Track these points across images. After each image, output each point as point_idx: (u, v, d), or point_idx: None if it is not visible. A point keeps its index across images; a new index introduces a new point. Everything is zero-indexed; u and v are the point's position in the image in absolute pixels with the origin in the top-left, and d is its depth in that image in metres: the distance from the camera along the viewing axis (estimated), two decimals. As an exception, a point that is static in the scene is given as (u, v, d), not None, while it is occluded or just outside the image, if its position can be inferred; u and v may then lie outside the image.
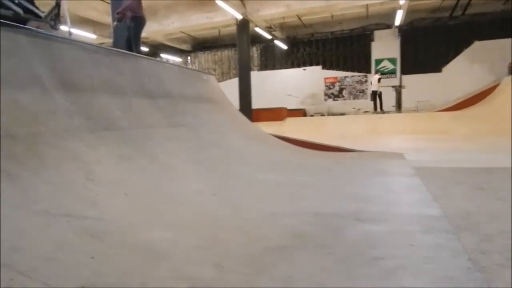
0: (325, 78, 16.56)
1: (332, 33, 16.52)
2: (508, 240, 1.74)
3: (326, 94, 16.62)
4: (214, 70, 18.44)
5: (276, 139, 6.20)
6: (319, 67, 16.71)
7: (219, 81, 15.06)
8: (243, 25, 12.90)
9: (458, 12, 14.18)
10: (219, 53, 18.87)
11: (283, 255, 1.64)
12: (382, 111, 13.46)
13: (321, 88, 16.70)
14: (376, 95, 13.46)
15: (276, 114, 12.51)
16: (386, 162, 4.52)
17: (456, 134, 8.59)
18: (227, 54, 18.53)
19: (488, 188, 2.93)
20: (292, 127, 11.16)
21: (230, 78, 17.96)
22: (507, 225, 1.95)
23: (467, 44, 14.52)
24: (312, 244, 1.79)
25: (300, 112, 14.82)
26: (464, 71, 14.14)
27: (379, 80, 13.40)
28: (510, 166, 3.98)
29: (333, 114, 14.95)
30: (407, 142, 7.69)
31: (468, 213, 2.25)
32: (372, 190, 3.05)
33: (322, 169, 4.25)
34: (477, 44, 14.33)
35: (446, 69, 14.80)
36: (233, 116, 5.71)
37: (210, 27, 15.10)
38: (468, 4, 13.58)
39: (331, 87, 16.58)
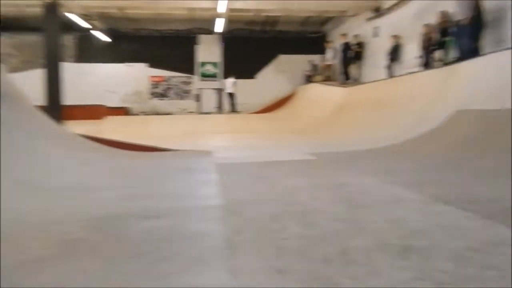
0: (151, 77, 16.24)
1: (158, 31, 16.31)
2: (261, 218, 2.10)
3: (151, 93, 16.32)
4: (13, 56, 15.29)
5: (85, 140, 5.65)
6: (144, 65, 16.23)
7: (20, 70, 12.67)
8: (52, 8, 11.19)
9: (268, 28, 16.43)
10: (21, 37, 15.77)
11: (47, 265, 1.49)
12: (235, 111, 14.65)
13: (146, 86, 16.27)
14: (230, 96, 14.97)
15: (93, 112, 11.43)
16: (194, 160, 4.78)
17: (263, 133, 9.93)
18: (32, 39, 15.67)
19: (266, 178, 3.48)
20: (111, 127, 10.43)
21: (36, 68, 15.33)
22: (266, 208, 2.37)
23: (274, 56, 17.01)
24: (83, 249, 1.71)
25: (123, 111, 14.04)
26: (272, 79, 16.50)
27: (234, 83, 14.71)
28: (291, 158, 4.88)
29: (158, 114, 14.82)
30: (221, 141, 8.38)
31: (244, 201, 2.61)
32: (171, 187, 3.16)
33: (130, 170, 4.13)
34: (281, 57, 16.96)
35: (259, 76, 16.92)
36: (24, 112, 4.86)
37: (7, 3, 12.44)
38: (275, 22, 15.90)
39: (157, 86, 16.39)
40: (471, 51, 7.00)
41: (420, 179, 3.21)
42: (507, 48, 6.21)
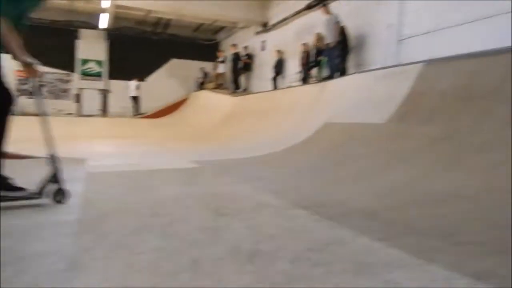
0: (18, 71, 14.02)
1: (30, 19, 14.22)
2: (119, 233, 1.98)
3: (18, 90, 14.09)
4: None
5: None
6: (7, 55, 13.90)
7: None
8: None
9: (161, 30, 15.92)
10: None
11: None
12: (139, 114, 13.68)
13: (12, 81, 13.99)
14: (134, 100, 14.17)
15: None
16: (63, 168, 4.27)
17: (150, 139, 9.52)
18: None
19: (138, 188, 3.33)
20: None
21: None
22: (129, 221, 2.25)
23: (167, 59, 16.58)
24: None
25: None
26: (164, 83, 16.04)
27: (137, 86, 13.66)
28: (172, 167, 4.76)
29: (27, 115, 12.83)
30: (101, 147, 7.73)
31: (106, 214, 2.42)
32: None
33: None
34: (173, 61, 16.62)
35: (150, 79, 16.24)
36: None
37: None
38: (167, 24, 15.51)
39: (26, 82, 14.24)
40: (338, 71, 8.03)
41: (287, 186, 3.49)
42: (364, 71, 7.32)
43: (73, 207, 2.57)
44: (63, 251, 1.74)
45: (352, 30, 8.59)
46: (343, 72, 8.06)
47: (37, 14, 14.08)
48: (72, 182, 3.53)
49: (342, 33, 8.07)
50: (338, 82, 7.19)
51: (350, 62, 8.67)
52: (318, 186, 3.47)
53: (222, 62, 14.30)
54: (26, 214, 2.41)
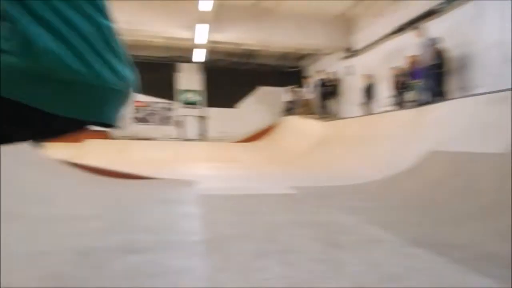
0: (135, 101, 16.20)
1: (137, 57, 16.37)
2: (244, 257, 2.16)
3: (133, 118, 16.24)
4: None
5: (61, 165, 5.57)
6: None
7: None
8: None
9: (249, 60, 16.93)
10: None
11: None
12: None
13: (129, 111, 16.17)
14: None
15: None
16: (174, 190, 4.80)
17: (244, 163, 10.04)
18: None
19: (248, 212, 3.55)
20: (92, 151, 10.28)
21: None
22: (246, 244, 2.43)
23: (254, 87, 17.45)
24: (70, 284, 1.72)
25: (103, 134, 13.78)
26: (253, 109, 16.82)
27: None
28: (272, 192, 4.96)
29: (140, 139, 14.63)
30: (202, 169, 8.40)
31: (226, 236, 2.66)
32: (151, 219, 3.18)
33: (109, 199, 4.10)
34: (261, 89, 17.41)
35: (241, 106, 17.24)
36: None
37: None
38: (254, 55, 16.43)
39: (139, 111, 16.44)
40: (437, 95, 7.52)
41: (396, 219, 3.33)
42: (472, 95, 6.74)
43: (195, 227, 2.86)
44: (198, 266, 1.96)
45: (452, 50, 8.03)
46: (441, 96, 7.53)
47: (144, 53, 16.15)
48: (187, 204, 3.94)
49: (439, 55, 7.59)
50: (439, 107, 6.73)
51: (452, 86, 8.07)
52: (433, 222, 3.23)
53: (312, 92, 14.44)
54: (161, 231, 2.77)
